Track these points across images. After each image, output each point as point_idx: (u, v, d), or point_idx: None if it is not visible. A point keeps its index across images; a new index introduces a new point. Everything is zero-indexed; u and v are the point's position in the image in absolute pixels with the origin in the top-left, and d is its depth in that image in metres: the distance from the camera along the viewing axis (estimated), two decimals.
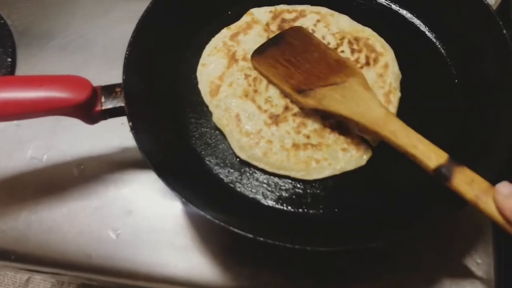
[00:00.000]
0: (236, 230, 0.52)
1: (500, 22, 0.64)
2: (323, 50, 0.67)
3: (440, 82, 0.69)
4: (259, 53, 0.69)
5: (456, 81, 0.69)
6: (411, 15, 0.74)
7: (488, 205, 0.48)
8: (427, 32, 0.73)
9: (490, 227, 0.63)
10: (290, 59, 0.67)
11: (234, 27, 0.73)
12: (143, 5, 0.67)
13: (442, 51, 0.71)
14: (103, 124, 0.63)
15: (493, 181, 0.50)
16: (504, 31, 0.63)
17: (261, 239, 0.51)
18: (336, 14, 0.74)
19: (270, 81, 0.67)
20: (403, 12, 0.75)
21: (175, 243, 0.65)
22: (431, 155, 0.53)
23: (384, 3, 0.76)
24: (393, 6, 0.75)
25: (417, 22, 0.74)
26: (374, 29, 0.72)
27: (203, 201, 0.57)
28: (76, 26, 0.82)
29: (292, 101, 0.65)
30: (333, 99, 0.60)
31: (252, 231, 0.52)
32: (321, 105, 0.61)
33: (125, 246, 0.65)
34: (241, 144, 0.64)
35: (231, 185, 0.63)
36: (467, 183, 0.50)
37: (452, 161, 0.52)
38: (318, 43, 0.68)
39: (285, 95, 0.66)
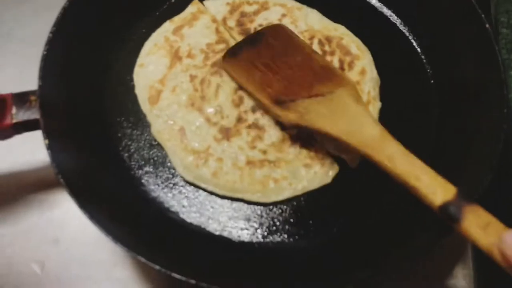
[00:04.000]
0: (177, 276, 0.44)
1: (482, 15, 0.57)
2: (308, 54, 0.59)
3: (417, 84, 0.62)
4: (232, 54, 0.60)
5: (432, 82, 0.62)
6: (381, 5, 0.66)
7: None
8: (399, 26, 0.65)
9: (470, 250, 0.57)
10: (269, 63, 0.58)
11: (177, 19, 0.64)
12: None
13: (417, 48, 0.64)
14: (20, 136, 0.54)
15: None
16: (487, 25, 0.57)
17: (205, 285, 0.43)
18: (305, 7, 0.65)
19: (243, 89, 0.59)
20: (376, 4, 0.67)
21: (112, 276, 0.57)
22: (437, 190, 0.44)
23: None
24: None
25: (387, 13, 0.66)
26: (347, 27, 0.64)
27: (137, 234, 0.48)
28: None
29: (268, 114, 0.57)
30: (319, 113, 0.52)
31: (196, 275, 0.44)
32: (303, 121, 0.52)
33: (52, 282, 0.57)
34: (186, 163, 0.55)
35: (174, 210, 0.54)
36: (481, 226, 0.41)
37: (462, 198, 0.43)
38: (302, 45, 0.60)
39: (260, 107, 0.58)
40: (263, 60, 0.58)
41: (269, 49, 0.59)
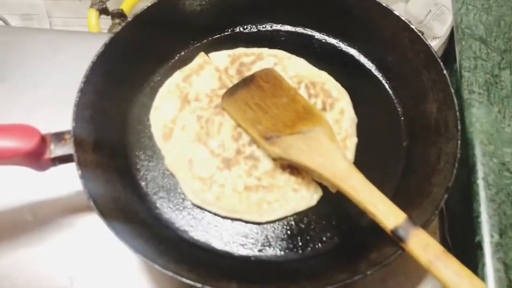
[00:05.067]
0: (186, 280, 0.52)
1: (441, 63, 0.67)
2: (292, 96, 0.67)
3: (389, 121, 0.71)
4: (230, 94, 0.69)
5: (402, 118, 0.71)
6: (359, 54, 0.77)
7: (441, 271, 0.49)
8: (374, 71, 0.76)
9: None
10: (260, 103, 0.66)
11: (187, 69, 0.74)
12: (97, 44, 0.68)
13: (389, 90, 0.74)
14: (56, 167, 0.62)
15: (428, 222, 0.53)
16: (444, 71, 0.66)
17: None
18: (293, 57, 0.75)
19: (238, 125, 0.67)
20: (352, 51, 0.78)
21: (132, 283, 0.64)
22: (389, 216, 0.53)
23: (334, 43, 0.78)
24: (342, 46, 0.78)
25: (364, 60, 0.77)
26: (328, 71, 0.74)
27: (153, 249, 0.57)
28: (27, 66, 0.80)
29: (258, 147, 0.66)
30: (298, 148, 0.60)
31: (202, 280, 0.53)
32: (286, 154, 0.61)
33: None
34: (194, 189, 0.64)
35: (183, 229, 0.63)
36: (422, 247, 0.50)
37: (409, 223, 0.52)
38: (288, 87, 0.68)
39: (252, 140, 0.66)
40: (256, 100, 0.66)
41: (260, 90, 0.67)
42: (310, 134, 0.61)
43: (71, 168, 0.63)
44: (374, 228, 0.56)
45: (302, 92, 0.71)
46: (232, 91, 0.69)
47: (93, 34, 1.02)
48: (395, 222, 0.52)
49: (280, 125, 0.63)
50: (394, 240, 0.53)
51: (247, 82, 0.70)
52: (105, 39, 0.68)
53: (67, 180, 0.68)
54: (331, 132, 0.62)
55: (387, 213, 0.53)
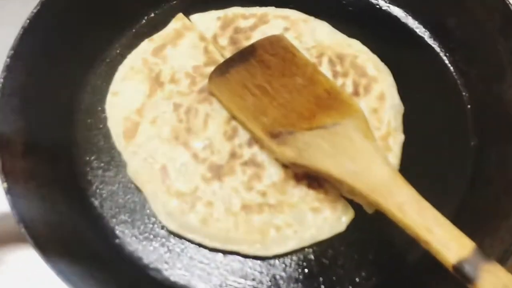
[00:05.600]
0: None
1: None
2: (310, 75, 0.68)
3: (450, 112, 0.73)
4: (221, 73, 0.70)
5: (469, 107, 0.73)
6: (405, 14, 0.79)
7: None
8: (428, 40, 0.78)
9: None
10: (264, 85, 0.68)
11: (158, 37, 0.76)
12: (28, 2, 0.69)
13: (450, 66, 0.76)
14: None
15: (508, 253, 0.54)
16: None
17: None
18: (312, 19, 0.77)
19: (233, 116, 0.69)
20: (396, 11, 0.79)
21: None
22: (451, 245, 0.53)
23: (372, 1, 0.80)
24: (382, 3, 0.80)
25: (413, 24, 0.79)
26: (362, 39, 0.75)
27: None
28: None
29: (262, 148, 0.67)
30: (320, 149, 0.61)
31: None
32: (302, 158, 0.62)
33: None
34: (169, 209, 0.65)
35: (155, 266, 0.64)
36: None
37: (479, 255, 0.52)
38: (303, 63, 0.70)
39: (254, 139, 0.68)
40: (257, 81, 0.68)
41: (264, 67, 0.69)
42: (336, 129, 0.62)
43: None
44: (428, 264, 0.57)
45: (325, 69, 0.72)
46: (224, 69, 0.70)
47: None
48: (459, 254, 0.53)
49: (293, 117, 0.65)
50: (458, 279, 0.53)
51: (245, 55, 0.71)
52: None
53: None
54: (366, 125, 0.63)
55: (447, 241, 0.54)
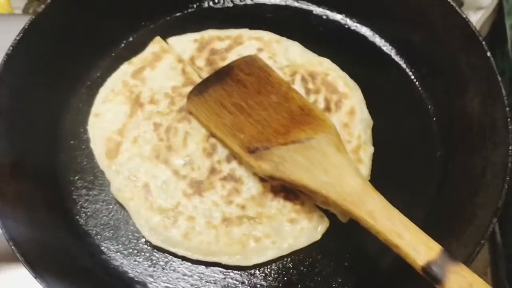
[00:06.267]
0: None
1: (483, 43, 0.71)
2: (284, 92, 0.71)
3: (417, 124, 0.77)
4: (198, 93, 0.73)
5: (434, 119, 0.77)
6: (373, 33, 0.83)
7: None
8: (394, 57, 0.82)
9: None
10: (240, 103, 0.70)
11: (137, 60, 0.79)
12: (11, 29, 0.72)
13: (416, 81, 0.80)
14: None
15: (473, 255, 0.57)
16: (488, 54, 0.71)
17: None
18: (284, 40, 0.80)
19: (211, 134, 0.72)
20: (363, 30, 0.84)
21: None
22: (419, 248, 0.56)
23: (339, 20, 0.84)
24: (350, 23, 0.84)
25: (380, 42, 0.83)
26: (332, 58, 0.79)
27: None
28: None
29: (240, 164, 0.70)
30: (295, 163, 0.64)
31: None
32: (278, 172, 0.64)
33: None
34: (152, 224, 0.68)
35: (140, 280, 0.67)
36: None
37: (446, 257, 0.55)
38: (278, 82, 0.73)
39: (232, 155, 0.71)
40: (234, 99, 0.71)
41: (240, 86, 0.72)
42: (310, 143, 0.65)
43: None
44: (400, 268, 0.60)
45: (298, 86, 0.75)
46: (201, 89, 0.73)
47: (3, 16, 1.05)
48: (427, 257, 0.56)
49: (270, 133, 0.68)
50: (427, 280, 0.56)
51: (221, 75, 0.74)
52: (21, 22, 0.72)
53: None
54: (339, 139, 0.67)
55: (416, 244, 0.57)
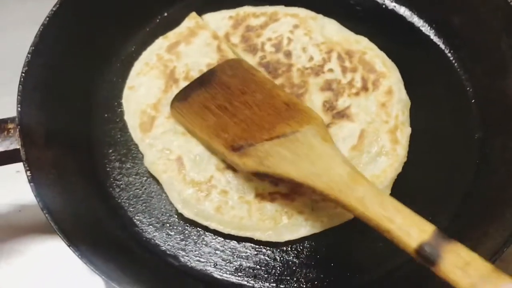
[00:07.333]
0: None
1: None
2: (269, 90, 0.71)
3: (455, 106, 0.76)
4: (182, 99, 0.73)
5: (473, 101, 0.76)
6: (411, 13, 0.83)
7: None
8: (433, 37, 0.81)
9: None
10: (224, 104, 0.70)
11: (172, 35, 0.79)
12: (47, 2, 0.72)
13: (455, 63, 0.79)
14: None
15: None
16: None
17: None
18: (320, 17, 0.80)
19: (196, 137, 0.71)
20: (402, 10, 0.83)
21: None
22: (411, 230, 0.54)
23: (379, 1, 0.84)
24: (388, 3, 0.84)
25: (419, 23, 0.82)
26: (370, 37, 0.78)
27: (132, 278, 0.60)
28: None
29: (226, 161, 0.69)
30: (280, 157, 0.63)
31: None
32: (263, 167, 0.64)
33: None
34: (185, 197, 0.68)
35: (172, 253, 0.67)
36: (460, 267, 0.51)
37: (440, 237, 0.53)
38: (262, 81, 0.73)
39: (217, 154, 0.70)
40: (218, 101, 0.70)
41: (225, 88, 0.72)
42: (296, 136, 0.65)
43: (12, 176, 0.69)
44: None
45: (334, 65, 0.76)
46: (185, 94, 0.73)
47: None
48: (420, 238, 0.53)
49: (254, 130, 0.67)
50: (422, 264, 0.54)
51: (205, 80, 0.74)
52: None
53: (5, 192, 0.75)
54: (324, 130, 0.66)
55: (408, 227, 0.55)
